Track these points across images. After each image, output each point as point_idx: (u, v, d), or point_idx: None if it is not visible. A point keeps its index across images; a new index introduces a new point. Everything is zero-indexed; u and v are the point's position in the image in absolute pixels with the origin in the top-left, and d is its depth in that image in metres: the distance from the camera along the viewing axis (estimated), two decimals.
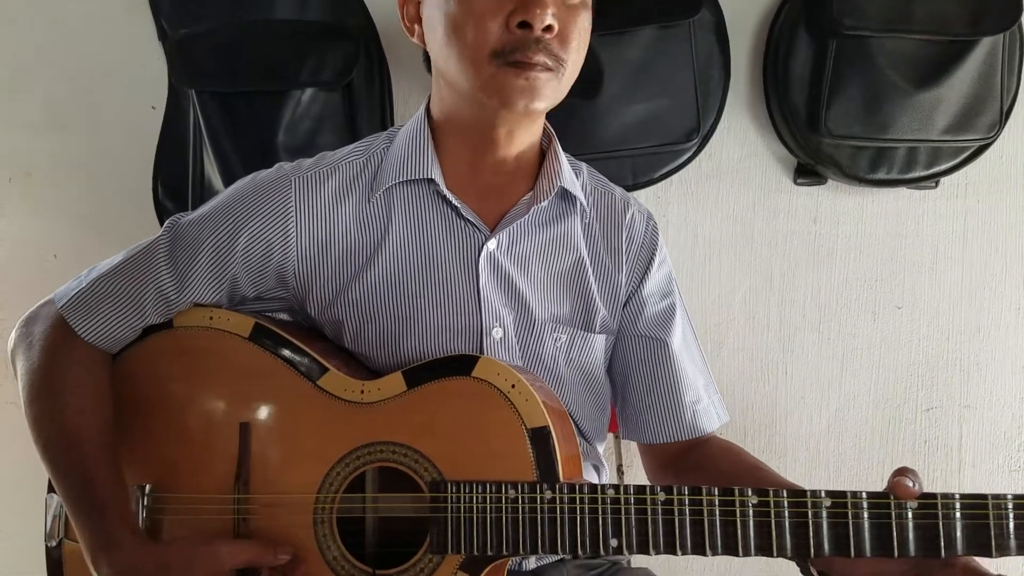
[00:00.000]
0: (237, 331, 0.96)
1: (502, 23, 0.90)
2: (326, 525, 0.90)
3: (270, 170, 1.02)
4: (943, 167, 1.51)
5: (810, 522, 0.79)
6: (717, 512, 0.81)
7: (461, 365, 0.89)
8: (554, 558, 1.05)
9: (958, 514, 0.77)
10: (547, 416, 0.86)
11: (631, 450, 1.54)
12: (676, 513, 0.81)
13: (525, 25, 0.89)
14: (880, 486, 0.80)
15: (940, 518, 0.77)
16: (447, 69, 0.96)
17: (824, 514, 0.79)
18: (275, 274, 0.99)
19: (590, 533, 0.83)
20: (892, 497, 0.78)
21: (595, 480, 1.08)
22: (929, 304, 1.62)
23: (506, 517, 0.84)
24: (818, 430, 1.64)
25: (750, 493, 0.80)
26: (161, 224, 1.14)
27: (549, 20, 0.89)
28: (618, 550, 0.82)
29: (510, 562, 0.96)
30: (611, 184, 1.14)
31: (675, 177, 1.55)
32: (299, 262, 0.98)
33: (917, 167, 1.50)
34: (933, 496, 0.78)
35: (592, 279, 1.06)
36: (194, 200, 1.46)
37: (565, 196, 1.06)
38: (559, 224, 1.06)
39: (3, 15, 1.58)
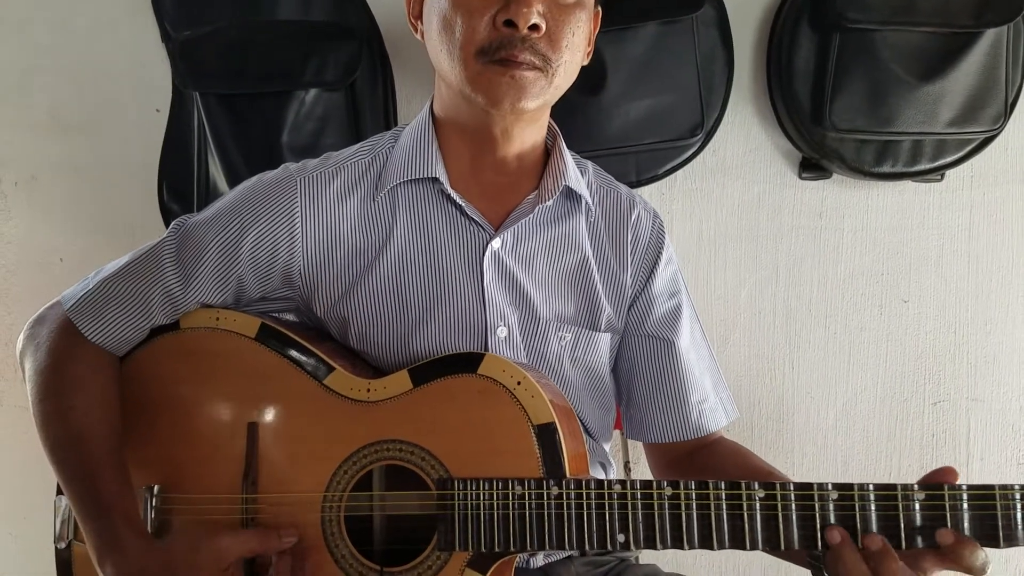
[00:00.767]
0: (243, 331, 0.96)
1: (489, 21, 0.90)
2: (334, 523, 0.90)
3: (275, 171, 1.02)
4: (948, 160, 1.50)
5: (817, 515, 0.79)
6: (724, 506, 0.81)
7: (467, 362, 0.90)
8: (562, 555, 1.05)
9: (965, 505, 0.77)
10: (553, 413, 0.86)
11: (638, 447, 1.54)
12: (683, 508, 0.81)
13: (511, 24, 0.89)
14: (888, 480, 0.80)
15: (947, 509, 0.77)
16: (440, 66, 0.97)
17: (831, 507, 0.79)
18: (281, 274, 0.99)
19: (597, 529, 0.83)
20: (899, 489, 0.78)
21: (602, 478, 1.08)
22: (936, 297, 1.62)
23: (513, 514, 0.84)
24: (825, 425, 1.64)
25: (756, 487, 0.80)
26: (167, 226, 1.15)
27: (535, 19, 0.89)
28: (625, 545, 0.82)
29: (518, 559, 0.96)
30: (617, 183, 1.14)
31: (679, 173, 1.55)
32: (305, 262, 0.99)
33: (922, 160, 1.50)
34: (940, 487, 0.78)
35: (597, 278, 1.06)
36: (199, 202, 1.47)
37: (570, 195, 1.06)
38: (564, 223, 1.06)
39: (8, 19, 1.58)
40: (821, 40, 1.46)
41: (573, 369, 1.05)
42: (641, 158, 1.49)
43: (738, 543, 0.80)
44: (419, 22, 1.01)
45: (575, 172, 1.06)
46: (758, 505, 0.80)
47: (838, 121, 1.45)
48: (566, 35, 0.93)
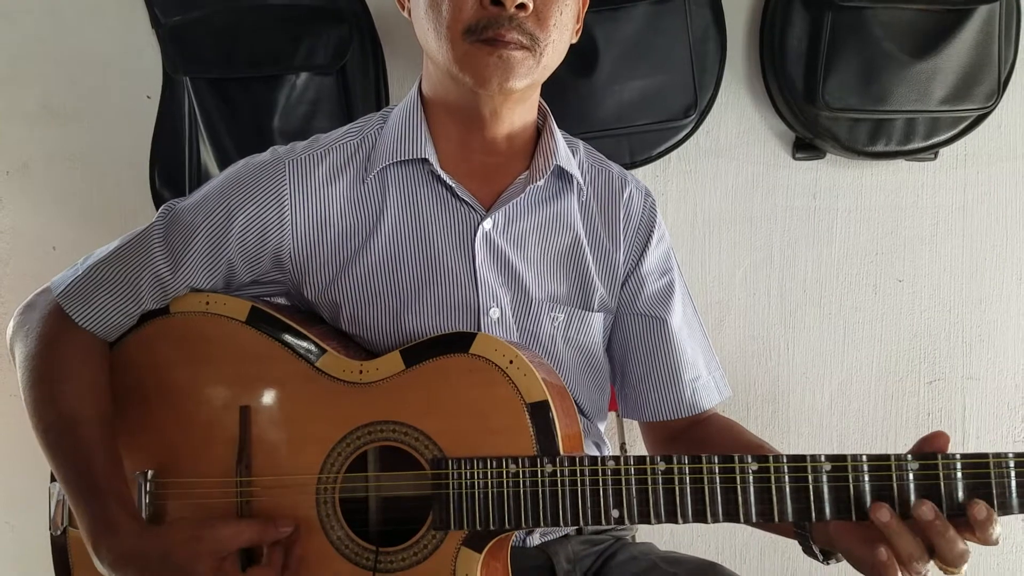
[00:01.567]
0: (234, 315, 0.96)
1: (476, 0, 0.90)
2: (329, 505, 0.90)
3: (264, 153, 1.02)
4: (942, 138, 1.50)
5: (811, 486, 0.79)
6: (718, 480, 0.81)
7: (459, 342, 0.89)
8: (558, 534, 1.05)
9: (959, 474, 0.77)
10: (546, 391, 0.86)
11: (634, 429, 1.54)
12: (677, 482, 0.81)
13: (498, 2, 0.89)
14: None
15: (941, 478, 0.77)
16: (427, 45, 0.96)
17: (825, 478, 0.79)
18: (271, 257, 0.99)
19: (591, 504, 0.83)
20: (892, 459, 0.78)
21: None
22: (930, 276, 1.62)
23: (508, 492, 0.84)
24: (821, 405, 1.64)
25: (750, 460, 0.80)
26: None
27: None
28: (620, 520, 0.82)
29: (514, 538, 0.96)
30: (608, 161, 1.13)
31: (673, 154, 1.55)
32: (295, 245, 0.98)
33: (915, 138, 1.49)
34: (934, 456, 0.78)
35: (589, 258, 1.06)
36: (191, 188, 1.46)
37: (561, 175, 1.05)
38: (555, 203, 1.05)
39: None
40: (813, 19, 1.46)
41: (566, 349, 1.05)
42: (634, 140, 1.49)
43: (732, 516, 0.80)
44: (407, 0, 1.00)
45: (566, 152, 1.06)
46: (751, 478, 0.80)
47: (831, 100, 1.45)
48: (554, 14, 0.92)
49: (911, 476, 0.78)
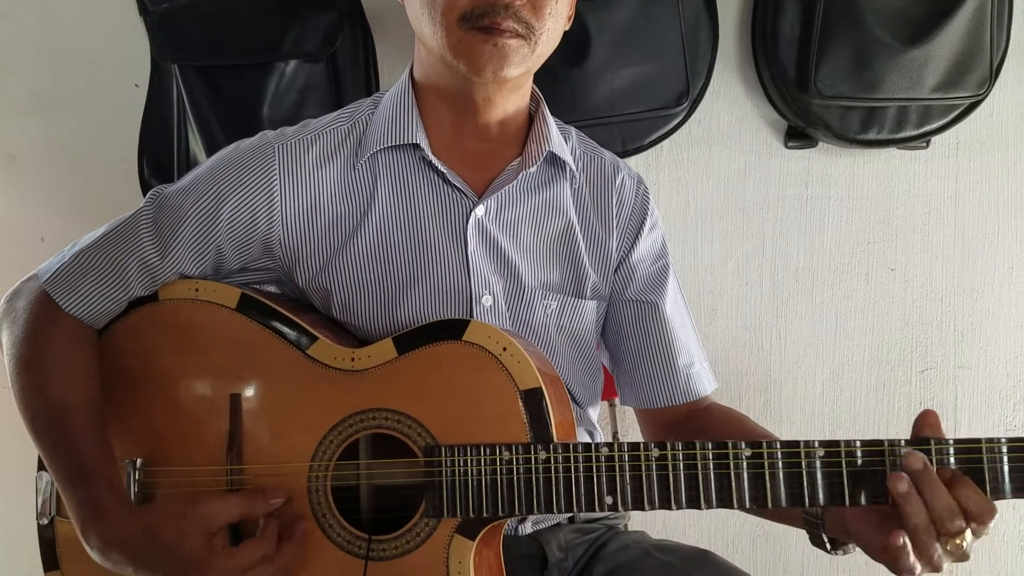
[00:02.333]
0: (224, 302, 0.95)
1: None
2: (321, 493, 0.89)
3: (253, 138, 1.01)
4: (934, 126, 1.50)
5: (804, 472, 0.79)
6: (711, 466, 0.80)
7: (452, 329, 0.89)
8: (551, 522, 1.05)
9: (952, 459, 0.77)
10: (540, 378, 0.85)
11: (627, 418, 1.54)
12: (671, 468, 0.81)
13: None
14: None
15: (934, 464, 0.77)
16: (421, 31, 0.95)
17: (818, 464, 0.79)
18: (261, 244, 0.98)
19: (585, 491, 0.83)
20: (886, 444, 0.78)
21: None
22: (922, 265, 1.62)
23: (501, 479, 0.84)
24: (813, 394, 1.64)
25: (743, 446, 0.80)
26: None
27: None
28: (613, 507, 0.82)
29: (507, 527, 0.96)
30: (601, 148, 1.13)
31: (665, 143, 1.54)
32: (285, 231, 0.97)
33: (908, 126, 1.49)
34: (927, 441, 0.78)
35: (582, 245, 1.06)
36: (179, 177, 1.45)
37: (554, 161, 1.05)
38: (548, 190, 1.05)
39: None
40: (806, 6, 1.45)
41: (559, 337, 1.04)
42: (626, 128, 1.48)
43: (726, 502, 0.80)
44: None
45: (559, 138, 1.05)
46: (745, 464, 0.80)
47: (823, 88, 1.44)
48: (550, 2, 0.92)
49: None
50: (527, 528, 1.03)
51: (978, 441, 0.77)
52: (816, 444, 0.79)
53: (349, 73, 1.45)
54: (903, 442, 0.78)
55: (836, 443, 0.79)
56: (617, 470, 0.82)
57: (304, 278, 0.99)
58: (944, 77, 1.45)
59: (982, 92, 1.47)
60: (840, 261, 1.62)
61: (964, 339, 1.63)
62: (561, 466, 0.83)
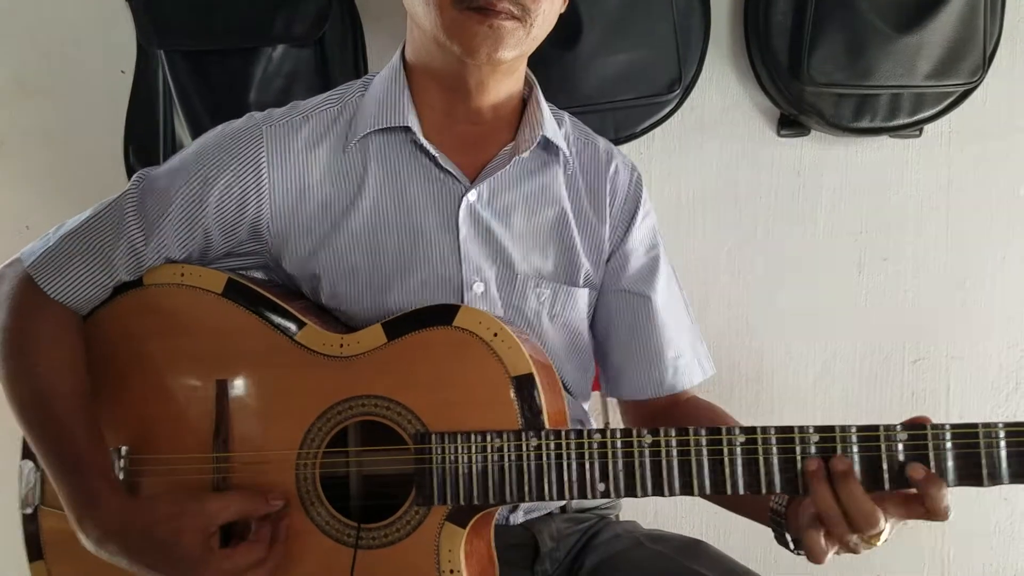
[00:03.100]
0: (210, 287, 0.93)
1: None
2: (309, 481, 0.88)
3: (240, 120, 0.99)
4: (927, 114, 1.49)
5: (798, 457, 0.78)
6: (705, 451, 0.80)
7: (442, 315, 0.88)
8: (542, 512, 1.04)
9: (948, 444, 0.76)
10: (531, 364, 0.84)
11: (618, 410, 1.53)
12: (664, 455, 0.80)
13: None
14: None
15: (931, 449, 0.76)
16: (414, 9, 0.94)
17: (813, 449, 0.78)
18: (248, 227, 0.96)
19: (577, 478, 0.82)
20: (881, 429, 0.77)
21: None
22: (915, 255, 1.62)
23: (492, 466, 0.83)
24: (805, 384, 1.64)
25: (737, 431, 0.79)
26: None
27: None
28: (606, 494, 0.81)
29: (498, 516, 0.95)
30: (594, 134, 1.12)
31: (657, 131, 1.53)
32: (273, 215, 0.96)
33: (901, 114, 1.48)
34: (923, 427, 0.77)
35: (575, 232, 1.05)
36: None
37: (547, 146, 1.04)
38: (541, 175, 1.03)
39: None
40: None
41: (552, 326, 1.03)
42: (619, 115, 1.47)
43: (719, 488, 0.79)
44: None
45: (552, 123, 1.04)
46: (739, 449, 0.79)
47: (816, 75, 1.43)
48: None
49: (900, 447, 0.77)
50: (519, 517, 1.02)
51: (975, 426, 0.76)
52: (811, 430, 0.78)
53: (337, 58, 1.44)
54: (899, 427, 0.77)
55: (831, 428, 0.78)
56: (609, 456, 0.81)
57: (292, 263, 0.98)
58: (937, 64, 1.44)
59: (975, 80, 1.46)
60: (832, 250, 1.61)
61: (957, 329, 1.63)
62: (553, 453, 0.82)
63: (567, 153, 1.05)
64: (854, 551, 0.78)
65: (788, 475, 0.78)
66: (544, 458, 0.82)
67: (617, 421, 1.54)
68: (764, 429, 0.79)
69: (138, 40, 1.46)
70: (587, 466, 0.81)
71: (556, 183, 1.04)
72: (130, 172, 1.48)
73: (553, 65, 1.37)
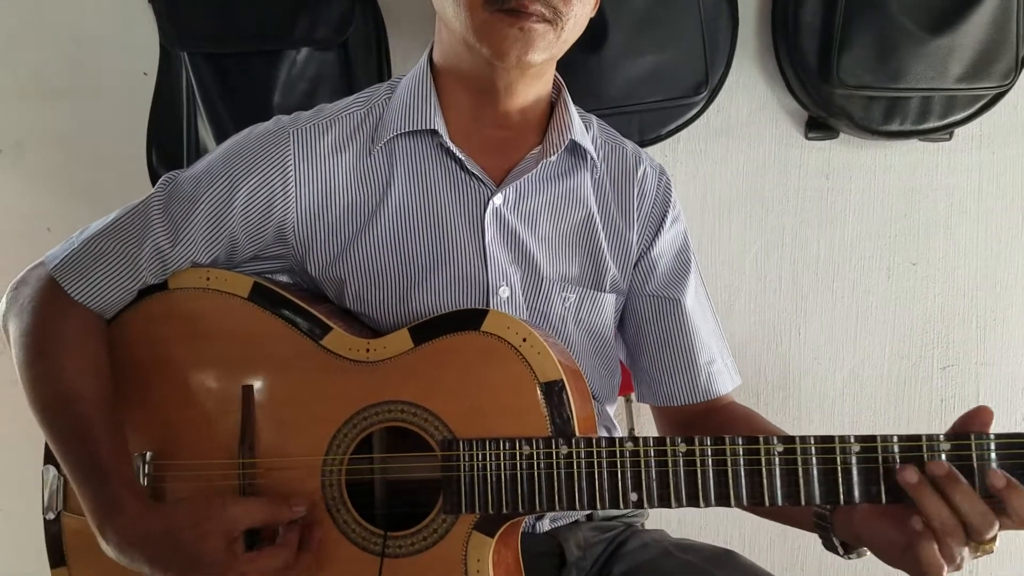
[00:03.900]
0: (235, 291, 0.93)
1: None
2: (335, 488, 0.87)
3: (267, 123, 0.98)
4: (958, 117, 1.47)
5: (839, 468, 0.76)
6: (741, 461, 0.78)
7: (470, 320, 0.86)
8: (568, 520, 1.03)
9: (993, 455, 0.74)
10: (560, 370, 0.83)
11: (643, 414, 1.52)
12: (699, 464, 0.78)
13: None
14: None
15: (975, 459, 0.74)
16: (443, 11, 0.93)
17: (853, 459, 0.76)
18: (275, 231, 0.95)
19: (609, 488, 0.80)
20: (924, 439, 0.75)
21: None
22: (944, 259, 1.59)
23: (521, 474, 0.81)
24: (833, 391, 1.62)
25: (775, 441, 0.77)
26: None
27: None
28: (639, 504, 0.80)
29: (524, 524, 0.93)
30: (622, 138, 1.11)
31: (683, 134, 1.51)
32: (299, 218, 0.95)
33: (931, 117, 1.46)
34: (967, 436, 0.75)
35: (602, 236, 1.03)
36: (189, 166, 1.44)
37: (575, 150, 1.02)
38: (568, 179, 1.02)
39: None
40: None
41: (577, 331, 1.02)
42: (644, 117, 1.46)
43: (757, 499, 0.77)
44: None
45: (580, 126, 1.03)
46: (777, 460, 0.77)
47: (846, 77, 1.41)
48: None
49: (943, 457, 0.75)
50: (545, 525, 1.01)
51: (1020, 436, 0.74)
52: (852, 439, 0.76)
53: (361, 61, 1.43)
54: (942, 437, 0.75)
55: (872, 438, 0.76)
56: (643, 465, 0.79)
57: (317, 267, 0.97)
58: (969, 67, 1.42)
59: (1007, 83, 1.44)
60: (861, 255, 1.59)
61: (987, 335, 1.60)
62: (584, 461, 0.80)
63: (595, 157, 1.03)
64: (959, 567, 0.74)
65: (828, 487, 0.76)
66: (575, 467, 0.81)
67: (641, 426, 1.53)
68: (803, 439, 0.77)
69: (161, 42, 1.46)
70: (619, 475, 0.80)
71: (583, 187, 1.03)
72: (153, 174, 1.48)
73: (579, 67, 1.36)
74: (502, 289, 0.97)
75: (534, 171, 0.99)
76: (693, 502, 0.78)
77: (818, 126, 1.53)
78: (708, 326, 1.09)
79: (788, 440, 0.77)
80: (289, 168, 0.94)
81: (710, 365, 1.07)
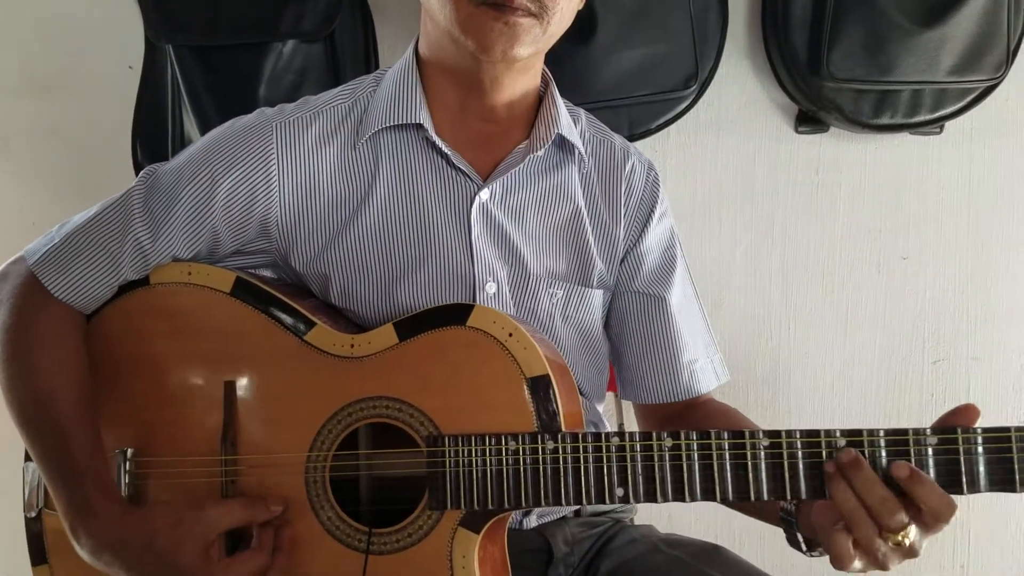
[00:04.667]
0: (218, 286, 0.91)
1: None
2: (319, 485, 0.86)
3: (250, 115, 0.97)
4: (948, 110, 1.47)
5: (825, 463, 0.75)
6: (727, 456, 0.77)
7: (455, 315, 0.85)
8: (556, 516, 1.02)
9: (980, 448, 0.74)
10: (547, 365, 0.82)
11: (632, 411, 1.51)
12: (684, 459, 0.78)
13: None
14: None
15: (961, 453, 0.74)
16: (429, 3, 0.92)
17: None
18: (258, 225, 0.94)
19: (595, 483, 0.79)
20: (910, 433, 0.75)
21: None
22: (935, 254, 1.59)
23: (507, 470, 0.81)
24: (822, 386, 1.61)
25: (761, 435, 0.77)
26: None
27: None
28: (624, 499, 0.79)
29: (511, 520, 0.93)
30: (610, 132, 1.10)
31: (673, 128, 1.51)
32: (282, 212, 0.94)
33: (922, 111, 1.46)
34: (954, 431, 0.74)
35: (590, 232, 1.03)
36: None
37: (562, 144, 1.02)
38: (556, 174, 1.01)
39: None
40: None
41: (565, 327, 1.01)
42: (634, 111, 1.45)
43: (743, 494, 0.77)
44: None
45: (568, 121, 1.02)
46: (763, 454, 0.76)
47: (836, 70, 1.41)
48: None
49: (930, 451, 0.74)
50: (532, 522, 1.00)
51: (1007, 430, 0.74)
52: (837, 433, 0.76)
53: (348, 54, 1.42)
54: (928, 431, 0.75)
55: (859, 432, 0.75)
56: (628, 460, 0.79)
57: (301, 261, 0.96)
58: (960, 60, 1.41)
59: (998, 75, 1.44)
60: (851, 249, 1.59)
61: (977, 330, 1.60)
62: (570, 456, 0.80)
63: (582, 151, 1.02)
64: (884, 566, 0.74)
65: (814, 481, 0.76)
66: (561, 462, 0.80)
67: (631, 422, 1.52)
68: (789, 433, 0.76)
69: (146, 35, 1.45)
70: (605, 471, 0.79)
71: (571, 182, 1.02)
72: (138, 168, 1.47)
73: (567, 60, 1.35)
74: (489, 285, 0.96)
75: (521, 166, 0.98)
76: (679, 497, 0.78)
77: (808, 120, 1.52)
78: (694, 324, 1.09)
79: (774, 434, 0.77)
80: (272, 162, 0.93)
81: (693, 364, 1.06)
